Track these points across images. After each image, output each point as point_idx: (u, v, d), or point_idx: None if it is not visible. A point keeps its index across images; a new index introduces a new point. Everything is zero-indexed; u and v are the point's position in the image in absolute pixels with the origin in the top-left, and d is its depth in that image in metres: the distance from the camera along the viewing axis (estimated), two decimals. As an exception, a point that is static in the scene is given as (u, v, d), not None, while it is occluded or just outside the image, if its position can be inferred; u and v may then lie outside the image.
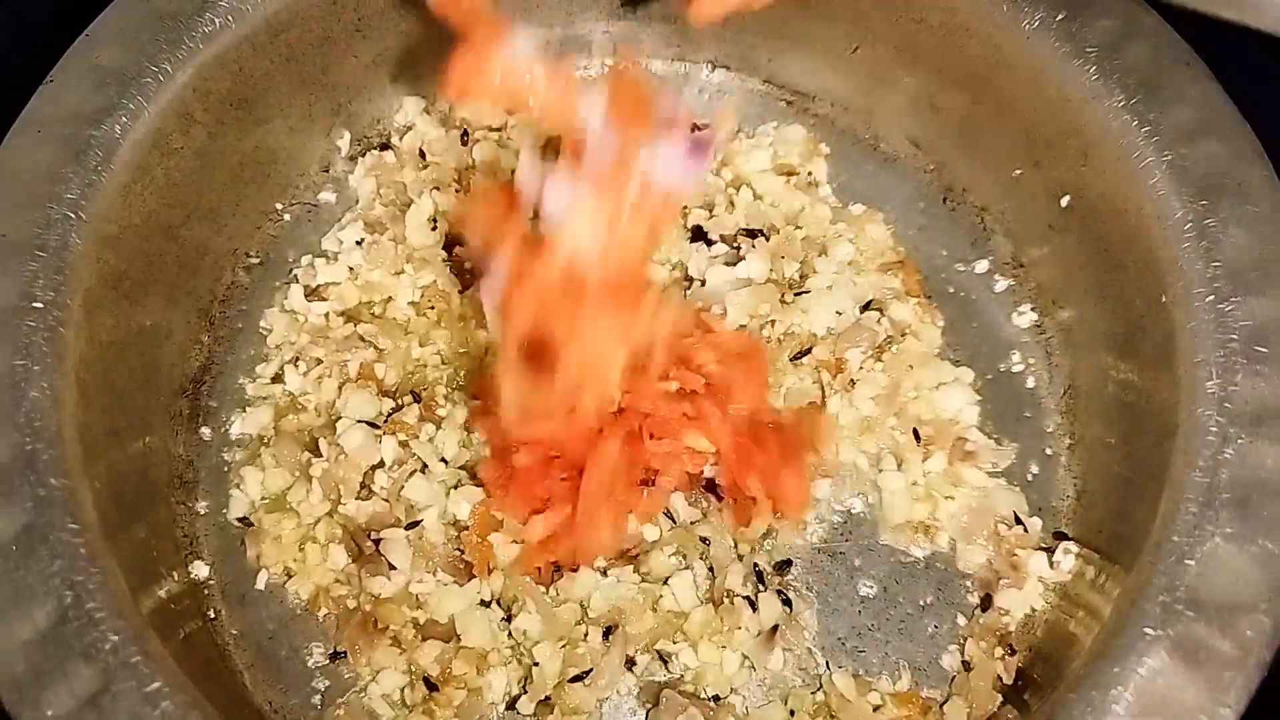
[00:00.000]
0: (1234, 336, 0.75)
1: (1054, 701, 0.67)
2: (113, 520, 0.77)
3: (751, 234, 1.01)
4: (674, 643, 0.86)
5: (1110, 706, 0.65)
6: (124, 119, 0.84)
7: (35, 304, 0.77)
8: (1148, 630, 0.67)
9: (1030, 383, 0.97)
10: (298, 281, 1.00)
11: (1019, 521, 0.90)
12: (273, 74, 0.96)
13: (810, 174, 1.06)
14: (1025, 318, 1.00)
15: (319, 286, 1.00)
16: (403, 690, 0.85)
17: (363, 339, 0.96)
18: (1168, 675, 0.66)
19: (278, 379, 0.96)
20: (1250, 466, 0.71)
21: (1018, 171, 0.97)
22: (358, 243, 1.01)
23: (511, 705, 0.84)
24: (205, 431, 0.95)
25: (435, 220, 1.02)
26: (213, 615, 0.88)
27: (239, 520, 0.91)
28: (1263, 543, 0.69)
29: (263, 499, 0.91)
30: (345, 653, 0.86)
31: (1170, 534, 0.70)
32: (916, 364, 0.96)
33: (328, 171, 1.06)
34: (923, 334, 0.98)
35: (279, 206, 1.04)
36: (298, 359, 0.96)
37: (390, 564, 0.86)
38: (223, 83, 0.91)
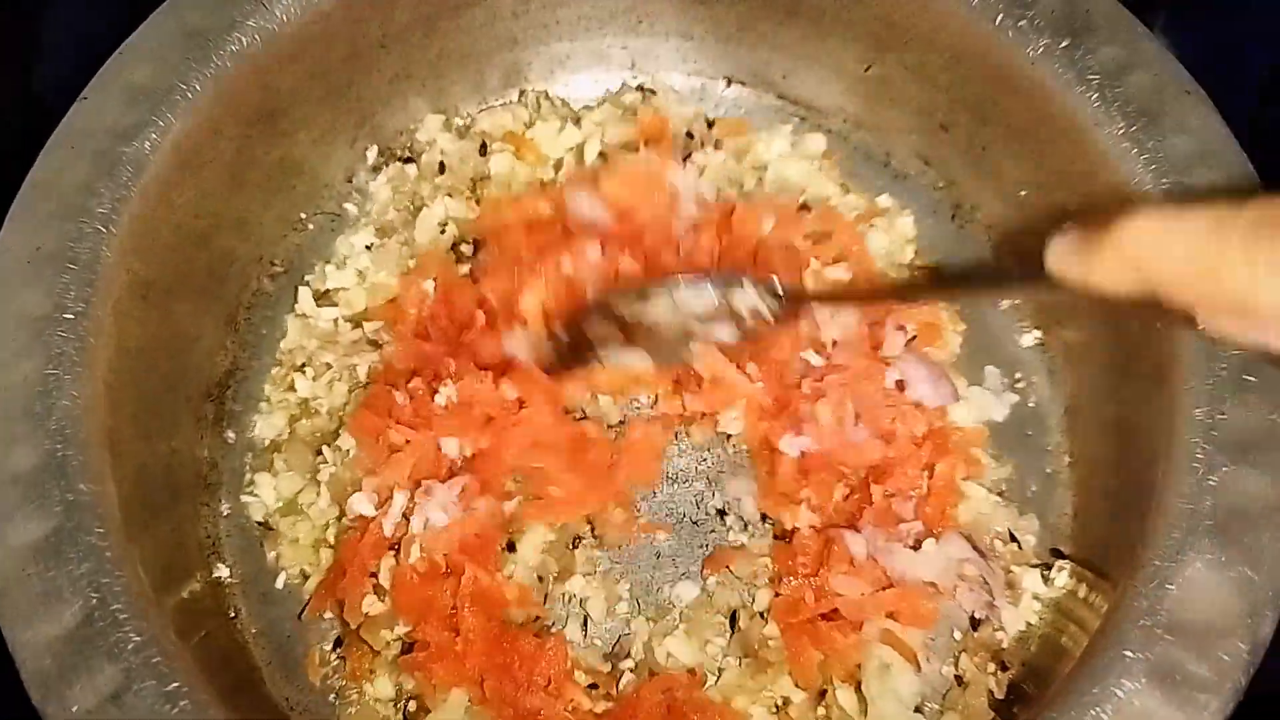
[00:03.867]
0: (1223, 365, 0.76)
1: (1034, 720, 0.69)
2: (138, 519, 0.80)
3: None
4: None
5: (1088, 727, 0.67)
6: (154, 135, 0.87)
7: (67, 315, 0.80)
8: (1127, 652, 0.69)
9: (1032, 401, 0.99)
10: (309, 286, 1.03)
11: (1013, 539, 0.91)
12: (298, 89, 0.98)
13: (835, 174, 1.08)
14: (1029, 336, 1.01)
15: (328, 291, 1.02)
16: (394, 702, 0.88)
17: (372, 342, 0.99)
18: (1144, 697, 0.67)
19: (292, 385, 0.99)
20: (1233, 494, 0.73)
21: (1024, 192, 0.98)
22: (367, 247, 1.03)
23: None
24: (230, 434, 0.98)
25: (445, 225, 1.04)
26: (233, 614, 0.92)
27: (259, 522, 0.95)
28: (1242, 569, 0.70)
29: (278, 502, 0.94)
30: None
31: (1153, 558, 0.72)
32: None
33: (351, 181, 1.08)
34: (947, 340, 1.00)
35: (303, 215, 1.06)
36: (305, 365, 0.98)
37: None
38: (250, 97, 0.94)
